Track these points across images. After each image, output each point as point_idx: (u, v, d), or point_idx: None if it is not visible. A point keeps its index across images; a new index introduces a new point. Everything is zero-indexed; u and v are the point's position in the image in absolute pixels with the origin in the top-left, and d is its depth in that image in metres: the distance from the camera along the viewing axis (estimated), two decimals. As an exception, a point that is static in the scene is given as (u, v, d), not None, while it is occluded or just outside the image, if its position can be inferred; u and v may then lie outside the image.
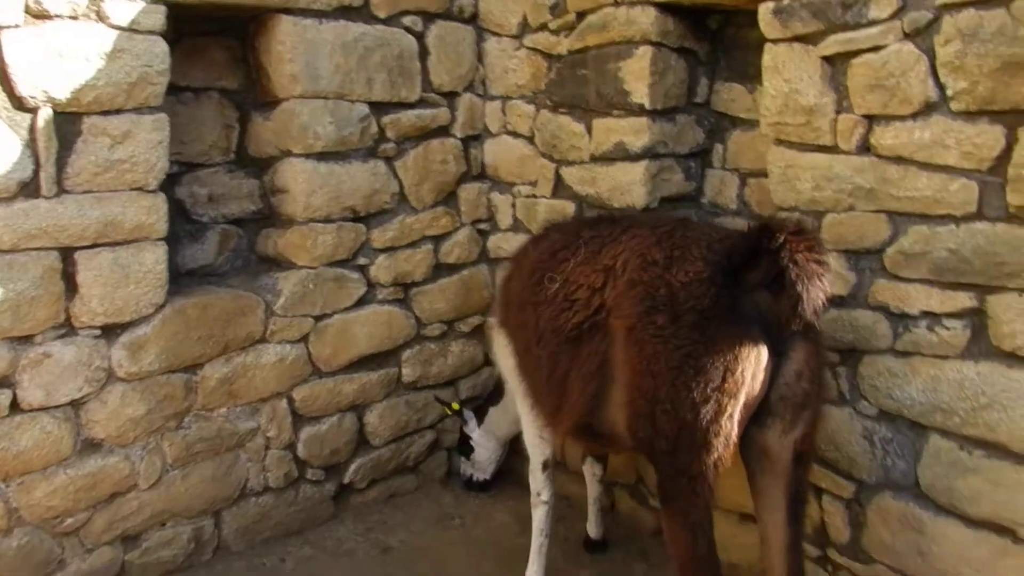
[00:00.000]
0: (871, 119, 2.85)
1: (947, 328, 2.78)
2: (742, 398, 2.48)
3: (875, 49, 2.78)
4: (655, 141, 3.61)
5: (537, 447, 3.51)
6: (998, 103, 2.53)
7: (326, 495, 4.15)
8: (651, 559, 3.94)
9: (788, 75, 3.00)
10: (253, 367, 3.73)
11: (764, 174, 3.55)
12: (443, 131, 4.23)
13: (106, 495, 3.36)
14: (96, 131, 3.08)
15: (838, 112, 2.93)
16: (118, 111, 3.12)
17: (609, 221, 3.06)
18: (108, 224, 3.17)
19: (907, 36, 2.70)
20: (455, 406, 4.42)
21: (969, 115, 2.62)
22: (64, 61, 2.95)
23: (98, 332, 3.24)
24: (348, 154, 3.87)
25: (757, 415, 2.59)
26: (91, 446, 3.32)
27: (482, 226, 4.52)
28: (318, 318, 3.92)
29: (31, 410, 3.11)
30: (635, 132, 3.62)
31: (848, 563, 3.18)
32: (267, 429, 3.84)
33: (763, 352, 2.49)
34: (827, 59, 2.93)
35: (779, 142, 3.12)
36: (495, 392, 4.36)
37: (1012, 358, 2.64)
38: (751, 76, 3.60)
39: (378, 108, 3.93)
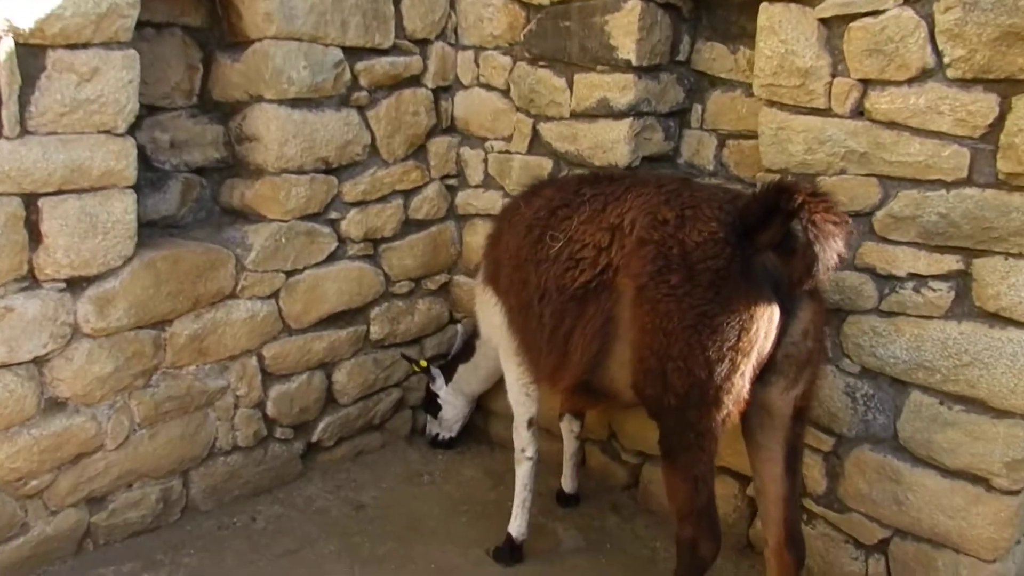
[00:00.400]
0: (866, 83, 2.91)
1: (933, 290, 2.90)
2: (754, 356, 2.53)
3: (874, 13, 2.82)
4: (640, 99, 3.60)
5: (523, 404, 3.50)
6: (994, 72, 2.62)
7: (295, 453, 4.05)
8: (623, 512, 4.03)
9: (784, 36, 3.02)
10: (223, 324, 3.58)
11: (744, 136, 3.61)
12: (415, 81, 4.09)
13: (71, 456, 3.19)
14: (62, 66, 2.84)
15: (833, 75, 2.97)
16: (85, 45, 2.88)
17: (608, 179, 3.04)
18: (75, 169, 2.94)
19: (907, 2, 2.75)
20: (422, 363, 4.36)
21: (964, 83, 2.70)
22: (28, -14, 2.69)
23: (63, 285, 3.04)
24: (321, 102, 3.71)
25: (761, 372, 2.65)
26: (56, 405, 3.13)
27: (450, 181, 4.42)
28: (289, 273, 3.78)
29: (-8, 368, 2.89)
30: (620, 89, 3.59)
31: (823, 511, 3.33)
32: (237, 387, 3.71)
33: (775, 311, 2.53)
34: (824, 21, 2.96)
35: (771, 103, 3.15)
36: (465, 349, 4.33)
37: (994, 318, 2.78)
38: (733, 36, 3.63)
39: (352, 53, 3.76)
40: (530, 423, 3.53)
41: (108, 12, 2.89)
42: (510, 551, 3.56)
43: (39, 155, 2.84)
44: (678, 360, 2.57)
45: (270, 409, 3.87)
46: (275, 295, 3.76)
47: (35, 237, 2.92)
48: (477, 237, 4.40)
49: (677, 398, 2.62)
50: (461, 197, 4.43)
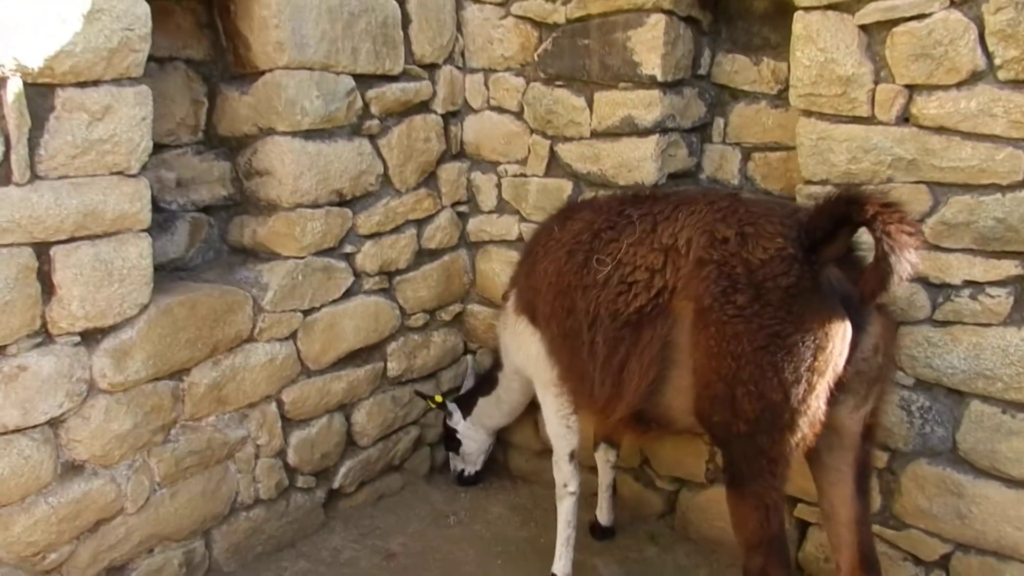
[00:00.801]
0: (911, 89, 2.85)
1: (991, 296, 2.83)
2: (830, 375, 2.42)
3: (919, 17, 2.77)
4: (665, 115, 3.51)
5: (564, 437, 3.36)
6: (1049, 72, 2.58)
7: (317, 502, 3.84)
8: (661, 542, 3.89)
9: (823, 44, 2.95)
10: (242, 369, 3.38)
11: (770, 148, 3.55)
12: (424, 107, 3.96)
13: (91, 523, 2.95)
14: (72, 106, 2.65)
15: (876, 82, 2.91)
16: (96, 83, 2.70)
17: (652, 198, 2.93)
18: (88, 214, 2.75)
19: (953, 4, 2.70)
20: (438, 399, 4.20)
21: (1017, 84, 2.65)
22: (37, 21, 2.51)
23: (78, 339, 2.82)
24: (334, 132, 3.55)
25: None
26: (73, 469, 2.90)
27: (461, 208, 4.29)
28: (306, 312, 3.60)
29: (6, 432, 2.66)
30: (646, 106, 3.50)
31: (879, 529, 3.22)
32: (257, 436, 3.50)
33: (848, 327, 2.44)
34: (864, 28, 2.90)
35: (809, 113, 3.08)
36: (485, 382, 4.17)
37: (1058, 322, 2.72)
38: (756, 47, 3.57)
39: (362, 81, 3.62)
40: (572, 456, 3.39)
41: (119, 47, 2.71)
42: (556, 591, 3.39)
43: (51, 201, 2.64)
44: (749, 384, 2.45)
45: (291, 457, 3.66)
46: (293, 336, 3.57)
47: (47, 289, 2.70)
48: (492, 264, 4.27)
49: (747, 424, 2.50)
50: (473, 224, 4.30)
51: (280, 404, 3.58)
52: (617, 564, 3.73)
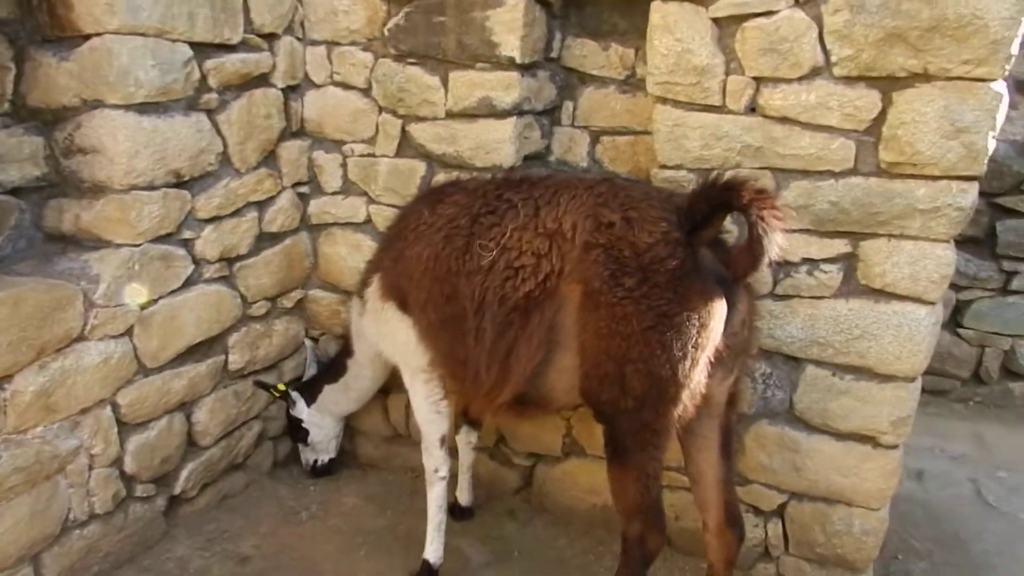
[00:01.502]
0: (759, 81, 3.07)
1: (824, 272, 3.15)
2: (711, 350, 2.59)
3: (767, 14, 2.98)
4: (523, 97, 3.53)
5: (434, 423, 3.32)
6: (877, 70, 2.88)
7: (157, 511, 3.53)
8: (519, 516, 3.99)
9: (680, 35, 3.10)
10: (73, 372, 3.01)
11: (618, 132, 3.69)
12: (264, 80, 3.69)
13: None
14: None
15: (727, 73, 3.11)
16: None
17: (527, 182, 2.95)
18: None
19: (797, 3, 2.94)
20: (281, 387, 4.00)
21: (849, 80, 2.95)
22: None
23: None
24: (169, 106, 3.22)
25: (704, 364, 2.72)
26: None
27: (302, 189, 4.06)
28: (143, 306, 3.26)
29: None
30: (504, 87, 3.50)
31: (725, 488, 3.50)
32: (91, 445, 3.15)
33: (724, 305, 2.61)
34: (716, 21, 3.08)
35: (665, 101, 3.23)
36: (330, 369, 4.03)
37: (880, 294, 3.08)
38: (604, 33, 3.68)
39: (200, 50, 3.31)
40: (442, 441, 3.36)
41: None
42: (429, 578, 3.37)
43: None
44: (638, 362, 2.56)
45: (128, 465, 3.33)
46: (129, 332, 3.23)
47: None
48: (337, 248, 4.10)
49: (635, 400, 2.61)
50: (316, 205, 4.09)
51: (116, 407, 3.24)
52: (480, 543, 3.77)
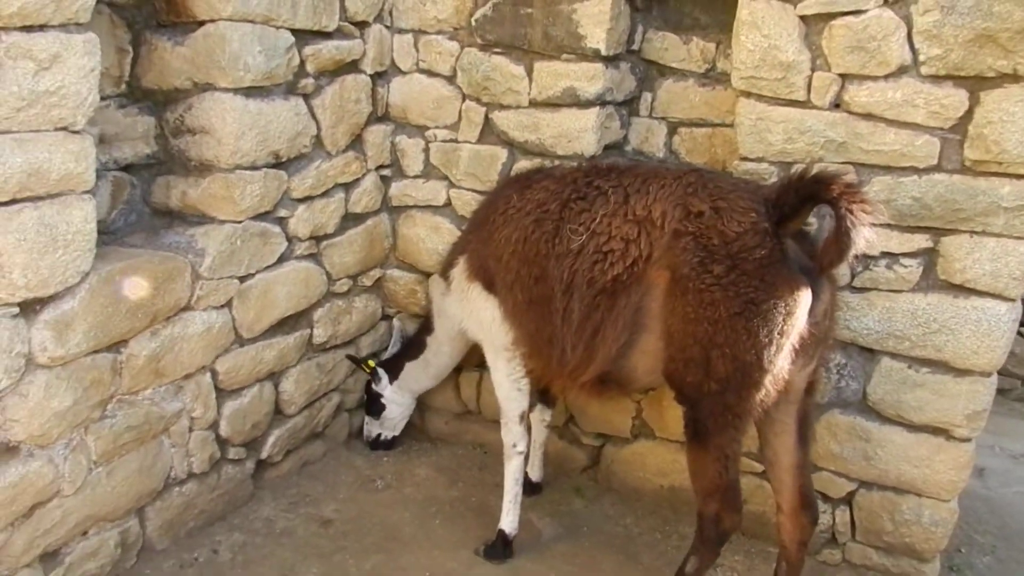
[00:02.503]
0: (844, 78, 3.13)
1: (904, 266, 3.20)
2: (795, 338, 2.67)
3: (856, 13, 3.04)
4: (606, 88, 3.63)
5: (515, 400, 3.46)
6: (965, 69, 2.93)
7: (247, 474, 3.73)
8: (587, 494, 4.11)
9: (767, 31, 3.17)
10: (180, 339, 3.20)
11: (696, 124, 3.78)
12: (355, 66, 3.84)
13: (27, 508, 2.72)
14: (18, 52, 2.38)
15: (813, 70, 3.17)
16: (43, 27, 2.43)
17: (616, 170, 3.05)
18: (32, 174, 2.49)
19: (886, 3, 3.00)
20: (371, 364, 4.16)
21: (937, 79, 2.99)
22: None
23: (16, 310, 2.57)
24: (272, 90, 3.39)
25: (786, 351, 2.80)
26: (8, 451, 2.66)
27: (384, 172, 4.21)
28: (242, 279, 3.45)
29: (-59, 416, 2.40)
30: (589, 78, 3.60)
31: (794, 474, 3.58)
32: (192, 408, 3.34)
33: (809, 294, 2.69)
34: (804, 18, 3.14)
35: (749, 95, 3.30)
36: (411, 346, 4.18)
37: (959, 289, 3.13)
38: (686, 27, 3.76)
39: (299, 37, 3.46)
40: (521, 417, 3.50)
41: (68, -13, 2.46)
42: (503, 548, 3.52)
43: (-7, 158, 2.37)
44: (724, 347, 2.66)
45: (223, 428, 3.53)
46: (229, 304, 3.41)
47: (-13, 256, 2.44)
48: (416, 229, 4.25)
49: (719, 383, 2.71)
50: (396, 188, 4.24)
51: (215, 374, 3.43)
52: (550, 517, 3.91)
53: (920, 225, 3.14)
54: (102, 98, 3.07)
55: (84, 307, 2.75)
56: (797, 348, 2.75)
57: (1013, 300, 3.07)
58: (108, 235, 3.21)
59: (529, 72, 3.74)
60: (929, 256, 3.17)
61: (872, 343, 3.31)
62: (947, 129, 3.02)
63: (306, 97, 3.58)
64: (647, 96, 3.88)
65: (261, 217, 3.47)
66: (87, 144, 2.65)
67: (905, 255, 3.19)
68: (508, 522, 3.53)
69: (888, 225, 3.15)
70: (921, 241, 3.16)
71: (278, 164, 3.50)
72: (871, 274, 3.26)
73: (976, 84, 2.94)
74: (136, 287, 2.92)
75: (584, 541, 3.75)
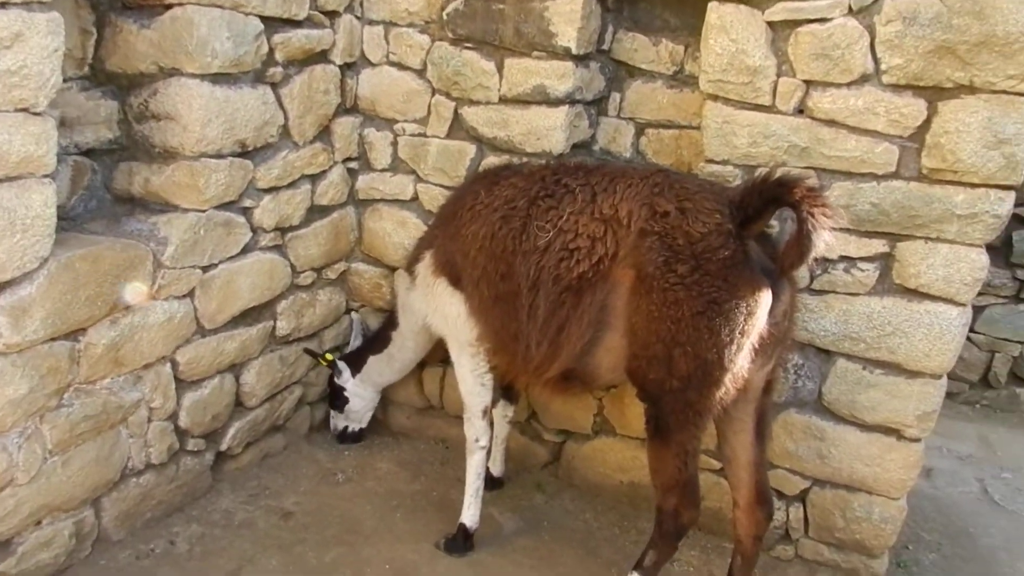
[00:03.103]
0: (809, 84, 3.20)
1: (861, 270, 3.29)
2: (755, 337, 2.73)
3: (821, 21, 3.10)
4: (576, 87, 3.65)
5: (478, 395, 3.47)
6: (924, 80, 3.01)
7: (205, 465, 3.69)
8: (547, 489, 4.15)
9: (735, 35, 3.22)
10: (140, 328, 3.16)
11: (663, 125, 3.82)
12: (324, 56, 3.82)
13: (-21, 498, 2.67)
14: (-21, 32, 2.33)
15: (779, 75, 3.23)
16: (4, 5, 2.38)
17: (584, 169, 3.08)
18: (-9, 156, 2.44)
19: (851, 12, 3.06)
20: (329, 357, 4.15)
21: (897, 88, 3.07)
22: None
23: (-28, 296, 2.52)
24: (239, 78, 3.35)
25: (745, 351, 2.86)
26: (-39, 441, 2.60)
27: (351, 164, 4.19)
28: (205, 269, 3.41)
29: None
30: (559, 76, 3.62)
31: (750, 472, 3.66)
32: (151, 399, 3.30)
33: (770, 295, 2.75)
34: (771, 24, 3.20)
35: (716, 98, 3.35)
36: (375, 340, 4.18)
37: (913, 293, 3.22)
38: (656, 29, 3.80)
39: (269, 24, 3.43)
40: (484, 412, 3.51)
41: (32, -35, 2.41)
42: (464, 541, 3.54)
43: (-49, 139, 2.32)
44: (686, 345, 2.71)
45: (183, 420, 3.49)
46: (191, 294, 3.37)
47: (-57, 239, 2.39)
48: (383, 223, 4.23)
49: (680, 380, 2.76)
50: (364, 181, 4.22)
51: (175, 365, 3.39)
52: (511, 511, 3.93)
53: (877, 230, 3.22)
54: (64, 80, 3.01)
55: (42, 293, 2.70)
56: (757, 348, 2.80)
57: (964, 305, 3.16)
58: (68, 221, 3.15)
59: (500, 68, 3.75)
60: (885, 261, 3.26)
61: (829, 344, 3.39)
62: (906, 137, 3.10)
63: (274, 86, 3.55)
64: (616, 96, 3.91)
65: (226, 206, 3.44)
66: (48, 126, 2.60)
67: (863, 259, 3.27)
68: (469, 516, 3.54)
69: (847, 230, 3.24)
70: (878, 246, 3.24)
71: (244, 153, 3.46)
72: (830, 277, 3.34)
73: (934, 94, 3.03)
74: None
75: (544, 535, 3.79)
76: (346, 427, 4.30)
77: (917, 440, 3.37)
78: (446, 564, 3.50)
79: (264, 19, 3.38)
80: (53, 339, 2.81)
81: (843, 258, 3.30)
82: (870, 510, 3.48)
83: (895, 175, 3.15)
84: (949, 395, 5.91)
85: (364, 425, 4.33)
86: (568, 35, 3.55)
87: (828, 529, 3.56)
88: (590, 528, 3.87)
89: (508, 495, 4.07)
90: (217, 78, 3.22)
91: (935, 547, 3.99)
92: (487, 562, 3.53)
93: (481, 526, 3.64)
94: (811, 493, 3.60)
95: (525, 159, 3.70)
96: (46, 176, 2.64)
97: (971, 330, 5.87)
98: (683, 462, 2.90)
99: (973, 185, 3.03)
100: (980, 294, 5.75)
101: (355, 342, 4.36)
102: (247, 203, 3.55)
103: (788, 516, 3.67)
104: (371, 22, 3.99)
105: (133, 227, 3.23)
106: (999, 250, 5.76)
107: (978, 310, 5.86)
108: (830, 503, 3.56)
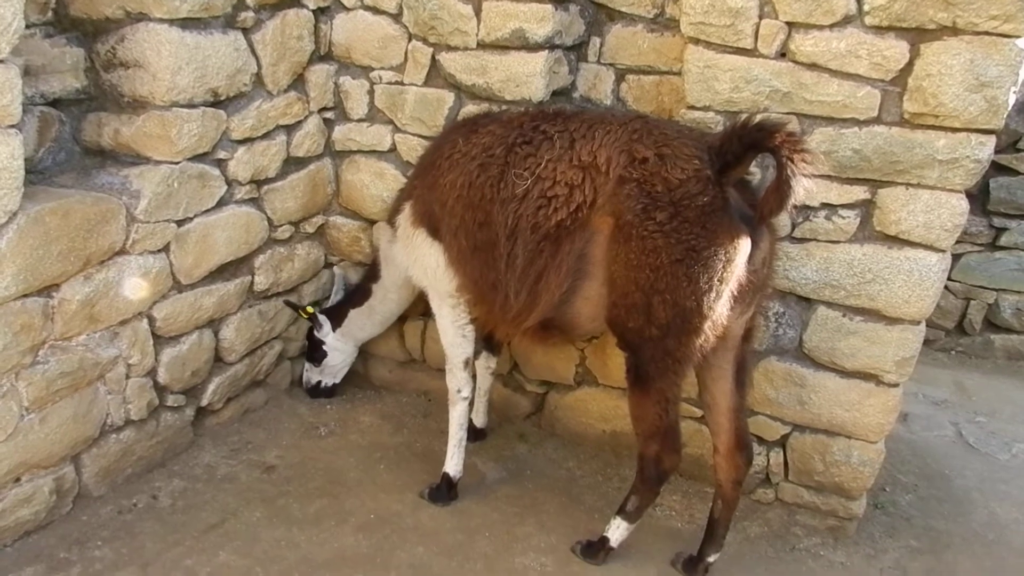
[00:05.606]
0: (791, 26, 3.14)
1: (842, 217, 3.27)
2: (734, 285, 2.72)
3: (804, -40, 3.04)
4: (555, 31, 3.57)
5: (460, 346, 3.46)
6: (907, 21, 2.96)
7: (186, 421, 3.68)
8: (530, 439, 4.17)
9: (717, -23, 3.15)
10: (116, 284, 3.11)
11: (644, 71, 3.75)
12: (297, 0, 3.71)
13: (-44, 457, 2.65)
14: (-68, -26, 2.23)
15: (761, 17, 3.17)
16: (-41, -53, 2.29)
17: (563, 116, 3.03)
18: (-49, 106, 2.36)
19: (834, -48, 3.00)
20: (309, 310, 4.11)
21: (880, 30, 3.03)
22: None
23: (-62, 252, 2.46)
24: (209, 22, 3.26)
25: (725, 298, 2.85)
26: (-66, 399, 2.57)
27: (328, 115, 4.11)
28: (180, 223, 3.35)
29: None
30: (538, 20, 3.54)
31: (731, 419, 3.69)
32: (129, 355, 3.27)
33: (749, 242, 2.73)
34: (752, -35, 3.13)
35: (697, 42, 3.29)
36: (356, 293, 4.14)
37: (894, 240, 3.22)
38: (636, -30, 3.70)
39: (238, -33, 3.33)
40: (466, 363, 3.51)
41: (-14, -97, 2.30)
42: (448, 490, 3.56)
43: (-93, 88, 2.24)
44: (665, 293, 2.70)
45: (162, 376, 3.46)
46: (166, 248, 3.32)
47: (-96, 193, 2.32)
48: (360, 175, 4.17)
49: (660, 328, 2.76)
50: (340, 132, 4.14)
51: (152, 321, 3.35)
52: (494, 461, 3.96)
53: (859, 177, 3.20)
54: (27, 26, 2.92)
55: (12, 248, 2.65)
56: (736, 295, 2.80)
57: (943, 251, 3.17)
58: (36, 174, 3.08)
59: (477, 12, 3.65)
60: (866, 207, 3.24)
61: (809, 292, 3.39)
62: (888, 81, 3.06)
63: (246, 32, 3.46)
64: (596, 41, 3.82)
65: (199, 158, 3.37)
66: (12, 74, 2.53)
67: (844, 206, 3.26)
68: (452, 465, 3.56)
69: (828, 176, 3.21)
70: (859, 193, 3.23)
71: (217, 103, 3.38)
72: (810, 225, 3.32)
73: (917, 36, 2.98)
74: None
75: (528, 484, 3.82)
76: (319, 382, 4.28)
77: (895, 385, 3.39)
78: (430, 512, 3.53)
79: (233, -39, 3.28)
80: (26, 295, 2.77)
81: (824, 205, 3.28)
82: (849, 454, 3.52)
83: (877, 120, 3.12)
84: (925, 342, 5.89)
85: (338, 381, 4.32)
86: (546, -24, 3.46)
87: (808, 473, 3.61)
88: (573, 476, 3.90)
89: (491, 445, 4.09)
90: (186, 23, 3.13)
91: (911, 488, 4.07)
92: (471, 510, 3.56)
93: (464, 475, 3.66)
94: (791, 438, 3.64)
95: (504, 107, 3.63)
96: (11, 127, 2.57)
97: (947, 278, 5.96)
98: (664, 409, 2.91)
99: (954, 130, 3.01)
100: (957, 242, 5.86)
101: (336, 297, 4.32)
102: (221, 155, 3.48)
103: (768, 461, 3.71)
104: (344, -35, 3.87)
105: (104, 180, 3.17)
106: (976, 197, 5.76)
107: (955, 258, 5.87)
108: (810, 447, 3.60)
